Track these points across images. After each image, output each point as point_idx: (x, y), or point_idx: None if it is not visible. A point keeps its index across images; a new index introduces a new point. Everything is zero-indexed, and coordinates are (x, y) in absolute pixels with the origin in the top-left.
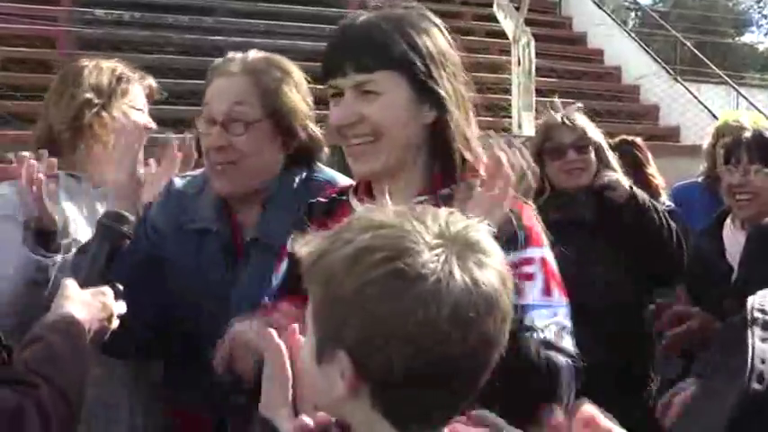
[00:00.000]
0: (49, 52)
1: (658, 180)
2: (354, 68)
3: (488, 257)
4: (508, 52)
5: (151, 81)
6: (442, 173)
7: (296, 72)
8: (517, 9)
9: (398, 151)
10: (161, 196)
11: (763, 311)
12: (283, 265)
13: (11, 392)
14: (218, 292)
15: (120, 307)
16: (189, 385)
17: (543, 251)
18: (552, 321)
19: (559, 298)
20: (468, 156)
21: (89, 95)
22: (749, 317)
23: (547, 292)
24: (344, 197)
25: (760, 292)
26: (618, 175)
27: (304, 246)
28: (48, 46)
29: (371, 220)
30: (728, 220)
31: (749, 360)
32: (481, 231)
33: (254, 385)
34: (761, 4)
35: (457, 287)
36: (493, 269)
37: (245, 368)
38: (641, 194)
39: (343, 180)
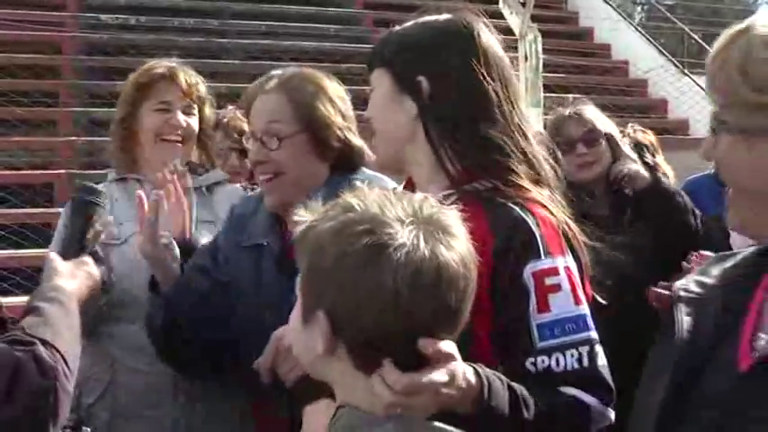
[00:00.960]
0: (56, 58)
1: (666, 169)
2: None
3: (454, 240)
4: (515, 48)
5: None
6: (469, 168)
7: (331, 85)
8: (523, 5)
9: (390, 144)
10: (225, 221)
11: (686, 290)
12: None
13: (9, 349)
14: (276, 302)
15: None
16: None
17: (566, 259)
18: (583, 338)
19: (586, 304)
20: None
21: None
22: (674, 296)
23: (576, 300)
24: None
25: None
26: (636, 166)
27: (297, 222)
28: (54, 52)
29: (352, 201)
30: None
31: (677, 332)
32: (451, 217)
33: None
34: None
35: (421, 258)
36: (457, 251)
37: (287, 371)
38: (665, 181)
39: (390, 182)
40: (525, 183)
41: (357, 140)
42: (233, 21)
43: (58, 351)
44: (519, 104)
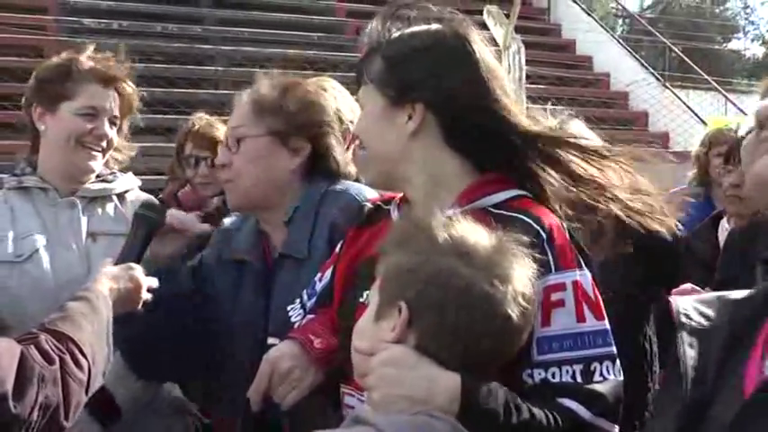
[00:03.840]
0: (39, 62)
1: None
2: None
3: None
4: (498, 60)
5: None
6: (476, 180)
7: (310, 88)
8: (507, 16)
9: (381, 162)
10: (213, 235)
11: (687, 317)
12: (327, 275)
13: (11, 340)
14: (251, 321)
15: (151, 281)
16: (212, 401)
17: (576, 273)
18: (580, 356)
19: (596, 322)
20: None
21: None
22: (676, 321)
23: (580, 317)
24: (389, 206)
25: (684, 297)
26: None
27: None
28: (36, 55)
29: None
30: (723, 221)
31: (682, 369)
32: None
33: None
34: (747, 11)
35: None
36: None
37: (283, 396)
38: None
39: (370, 192)
40: (543, 192)
41: (334, 143)
42: (216, 27)
43: (72, 341)
44: (516, 113)
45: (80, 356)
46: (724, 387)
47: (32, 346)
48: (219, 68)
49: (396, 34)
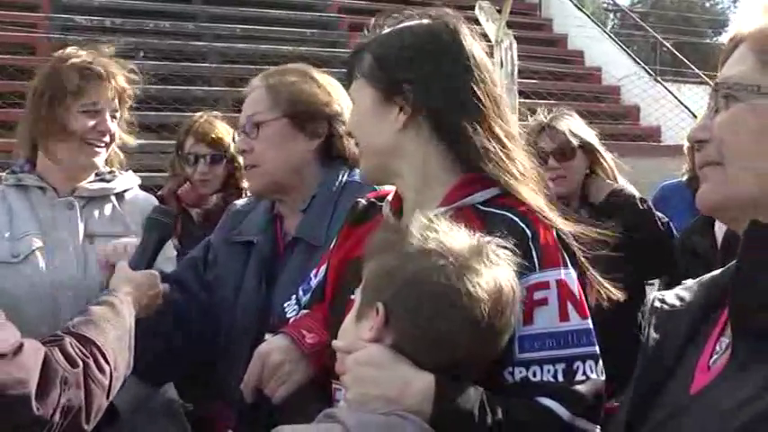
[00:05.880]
0: (30, 59)
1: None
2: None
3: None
4: (490, 54)
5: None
6: (464, 177)
7: (319, 75)
8: (499, 11)
9: (374, 157)
10: (222, 217)
11: (662, 301)
12: (321, 271)
13: (38, 342)
14: (248, 303)
15: (165, 288)
16: (210, 396)
17: (561, 272)
18: (563, 355)
19: (580, 321)
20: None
21: None
22: (648, 306)
23: (563, 316)
24: (382, 203)
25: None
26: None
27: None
28: (28, 53)
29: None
30: None
31: (642, 346)
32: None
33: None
34: (737, 5)
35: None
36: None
37: (273, 390)
38: (630, 192)
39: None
40: (523, 190)
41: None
42: (209, 24)
43: (95, 345)
44: (506, 109)
45: (103, 361)
46: (678, 371)
47: (57, 349)
48: (212, 65)
49: (386, 29)
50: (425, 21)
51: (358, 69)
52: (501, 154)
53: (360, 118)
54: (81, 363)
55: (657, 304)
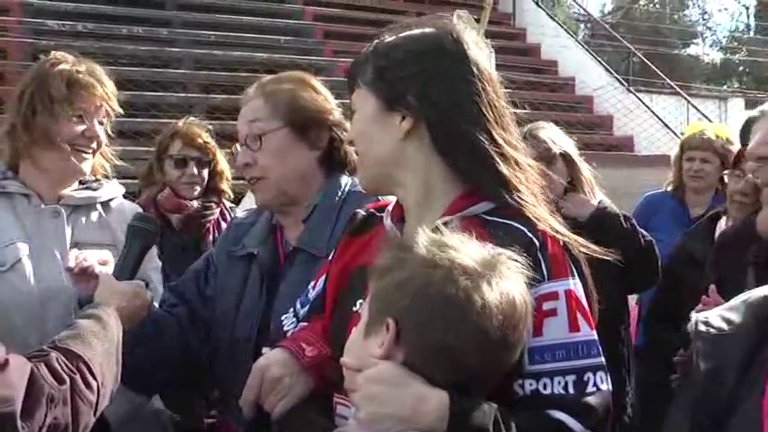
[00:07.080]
0: (3, 63)
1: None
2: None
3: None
4: None
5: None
6: (469, 187)
7: (315, 81)
8: (477, 21)
9: (375, 167)
10: (224, 231)
11: (707, 324)
12: (320, 282)
13: (24, 359)
14: (249, 314)
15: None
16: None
17: (569, 282)
18: (574, 366)
19: (589, 331)
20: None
21: None
22: (691, 332)
23: (573, 327)
24: (383, 213)
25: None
26: (581, 196)
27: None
28: (1, 57)
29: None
30: (721, 222)
31: (694, 376)
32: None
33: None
34: (705, 17)
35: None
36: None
37: (273, 404)
38: (609, 207)
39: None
40: (529, 199)
41: (349, 149)
42: (183, 30)
43: (82, 361)
44: (510, 119)
45: (90, 377)
46: (739, 410)
47: (43, 365)
48: (187, 71)
49: (389, 38)
50: (429, 29)
51: (360, 78)
52: (504, 164)
53: (362, 127)
54: (68, 379)
55: (702, 328)
